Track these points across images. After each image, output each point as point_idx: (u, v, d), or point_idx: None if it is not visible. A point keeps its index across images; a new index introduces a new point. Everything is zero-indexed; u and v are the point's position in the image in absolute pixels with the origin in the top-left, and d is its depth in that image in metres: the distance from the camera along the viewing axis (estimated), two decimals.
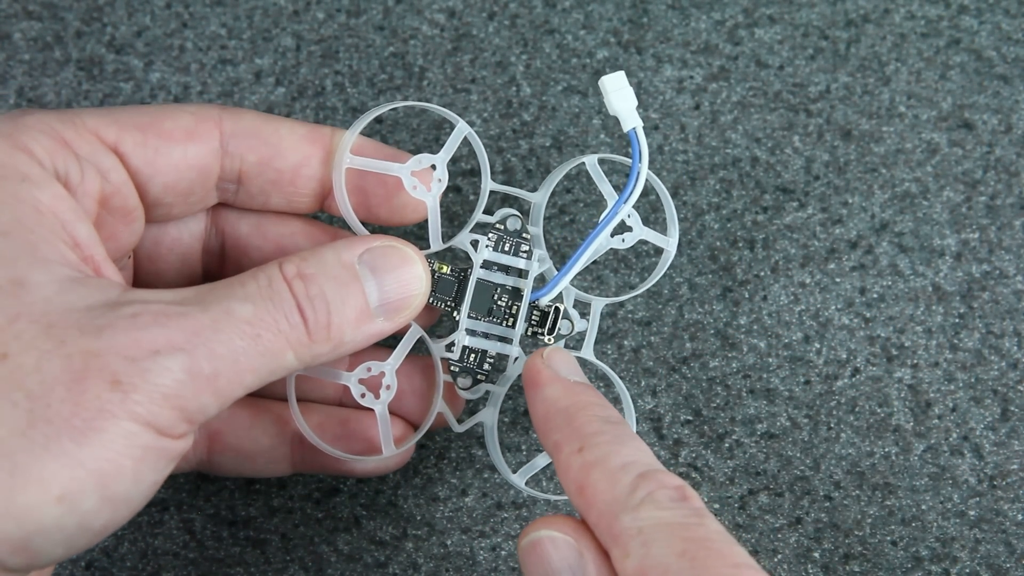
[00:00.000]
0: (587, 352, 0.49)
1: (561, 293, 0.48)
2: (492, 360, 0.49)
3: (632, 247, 0.49)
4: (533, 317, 0.49)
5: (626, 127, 0.46)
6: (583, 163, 0.49)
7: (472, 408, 0.53)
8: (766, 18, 0.58)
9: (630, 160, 0.47)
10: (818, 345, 0.55)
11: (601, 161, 0.49)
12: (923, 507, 0.53)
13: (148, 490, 0.38)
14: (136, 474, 0.37)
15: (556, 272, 0.48)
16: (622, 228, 0.48)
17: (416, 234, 0.55)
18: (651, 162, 0.56)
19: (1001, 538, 0.53)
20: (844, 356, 0.55)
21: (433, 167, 0.47)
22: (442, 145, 0.47)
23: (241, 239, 0.48)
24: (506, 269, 0.48)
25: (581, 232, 0.55)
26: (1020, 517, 0.53)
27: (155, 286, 0.48)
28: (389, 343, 0.47)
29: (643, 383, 0.54)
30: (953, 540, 0.53)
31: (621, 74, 0.46)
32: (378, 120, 0.56)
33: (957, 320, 0.55)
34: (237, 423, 0.48)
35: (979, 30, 0.58)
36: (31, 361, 0.36)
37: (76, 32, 0.57)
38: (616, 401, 0.49)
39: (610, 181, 0.48)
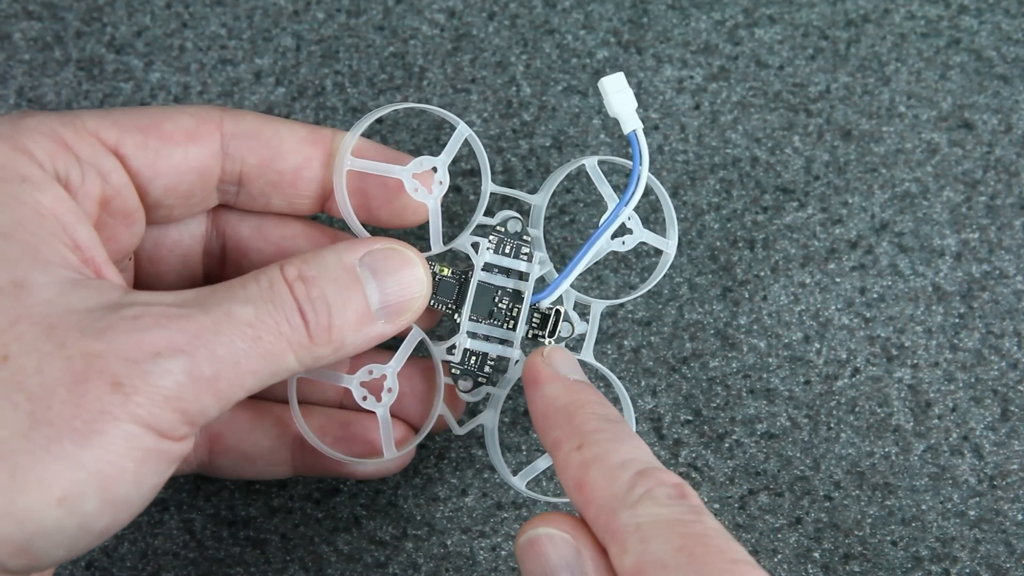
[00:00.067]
0: (587, 354, 0.49)
1: (561, 295, 0.48)
2: (493, 362, 0.49)
3: (632, 248, 0.49)
4: (534, 319, 0.49)
5: (626, 129, 0.46)
6: (583, 163, 0.49)
7: (473, 410, 0.53)
8: (766, 18, 0.58)
9: (630, 161, 0.47)
10: (818, 345, 0.55)
11: (601, 162, 0.49)
12: (923, 507, 0.53)
13: (149, 492, 0.38)
14: (137, 476, 0.37)
15: (556, 274, 0.48)
16: (622, 230, 0.48)
17: (416, 235, 0.55)
18: (651, 162, 0.56)
19: (1001, 538, 0.53)
20: (844, 356, 0.55)
21: (434, 169, 0.47)
22: (442, 145, 0.47)
23: (242, 241, 0.48)
24: (507, 271, 0.48)
25: (581, 232, 0.55)
26: (1020, 517, 0.53)
27: (156, 288, 0.48)
28: (390, 345, 0.47)
29: (643, 383, 0.54)
30: (953, 540, 0.53)
31: (621, 76, 0.46)
32: (378, 120, 0.56)
33: (957, 320, 0.55)
34: (238, 425, 0.48)
35: (979, 30, 0.58)
36: (32, 363, 0.36)
37: (76, 32, 0.57)
38: (616, 402, 0.49)
39: (610, 181, 0.48)
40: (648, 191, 0.54)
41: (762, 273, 0.55)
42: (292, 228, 0.48)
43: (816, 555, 0.53)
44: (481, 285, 0.48)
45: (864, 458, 0.54)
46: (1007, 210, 0.56)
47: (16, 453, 0.35)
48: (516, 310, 0.48)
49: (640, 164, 0.46)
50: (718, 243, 0.55)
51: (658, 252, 0.55)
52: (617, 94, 0.46)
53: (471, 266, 0.48)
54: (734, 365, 0.55)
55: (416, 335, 0.47)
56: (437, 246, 0.47)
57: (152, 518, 0.53)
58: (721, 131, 0.57)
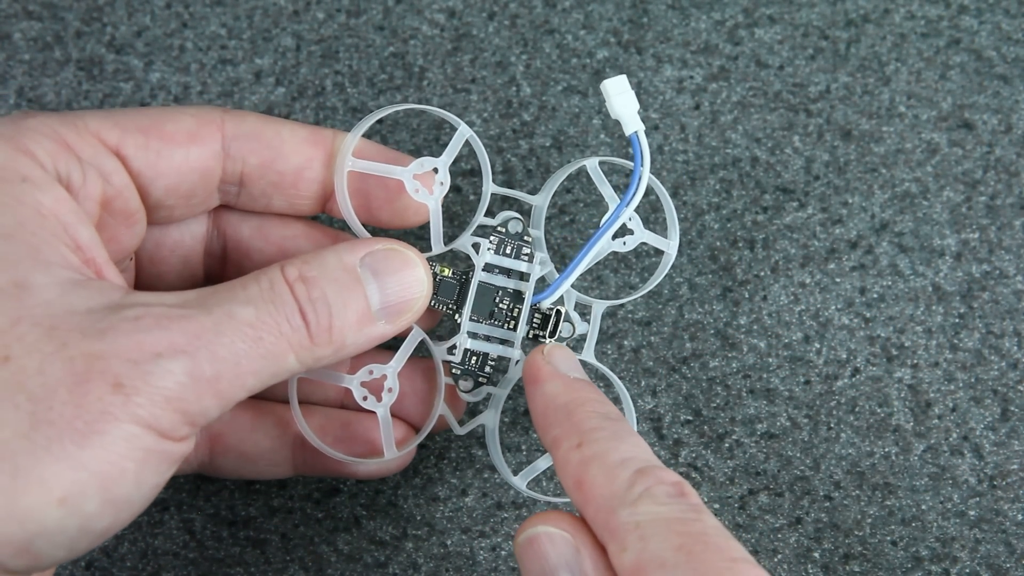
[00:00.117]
0: (588, 355, 0.49)
1: (562, 296, 0.48)
2: (493, 363, 0.49)
3: (632, 248, 0.49)
4: (534, 320, 0.49)
5: (628, 131, 0.46)
6: (584, 164, 0.49)
7: (473, 410, 0.53)
8: (766, 18, 0.58)
9: (631, 162, 0.47)
10: (818, 345, 0.55)
11: (602, 163, 0.49)
12: (923, 507, 0.53)
13: (150, 492, 0.38)
14: (138, 476, 0.37)
15: (557, 275, 0.48)
16: (623, 231, 0.48)
17: (416, 235, 0.55)
18: (651, 162, 0.56)
19: (1001, 538, 0.53)
20: (844, 356, 0.55)
21: (435, 170, 0.47)
22: (442, 146, 0.47)
23: (243, 241, 0.48)
24: (507, 272, 0.48)
25: (581, 232, 0.55)
26: (1020, 517, 0.53)
27: (157, 288, 0.48)
28: (391, 346, 0.47)
29: (643, 383, 0.54)
30: (953, 540, 0.53)
31: (623, 78, 0.46)
32: (378, 121, 0.56)
33: (957, 320, 0.55)
34: (239, 425, 0.48)
35: (979, 30, 0.58)
36: (33, 364, 0.36)
37: (76, 32, 0.57)
38: (616, 401, 0.49)
39: (610, 182, 0.48)
40: (648, 191, 0.54)
41: (762, 273, 0.55)
42: (293, 228, 0.48)
43: (816, 555, 0.53)
44: (482, 285, 0.48)
45: (864, 458, 0.54)
46: (1007, 210, 0.56)
47: (17, 453, 0.35)
48: (517, 310, 0.48)
49: (641, 165, 0.46)
50: (718, 243, 0.55)
51: (658, 252, 0.55)
52: (619, 96, 0.46)
53: (472, 266, 0.48)
54: (734, 365, 0.55)
55: (417, 335, 0.47)
56: (438, 247, 0.47)
57: (152, 518, 0.53)
58: (721, 131, 0.57)
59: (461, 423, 0.49)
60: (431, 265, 0.46)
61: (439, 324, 0.53)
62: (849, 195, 0.56)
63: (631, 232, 0.49)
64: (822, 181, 0.56)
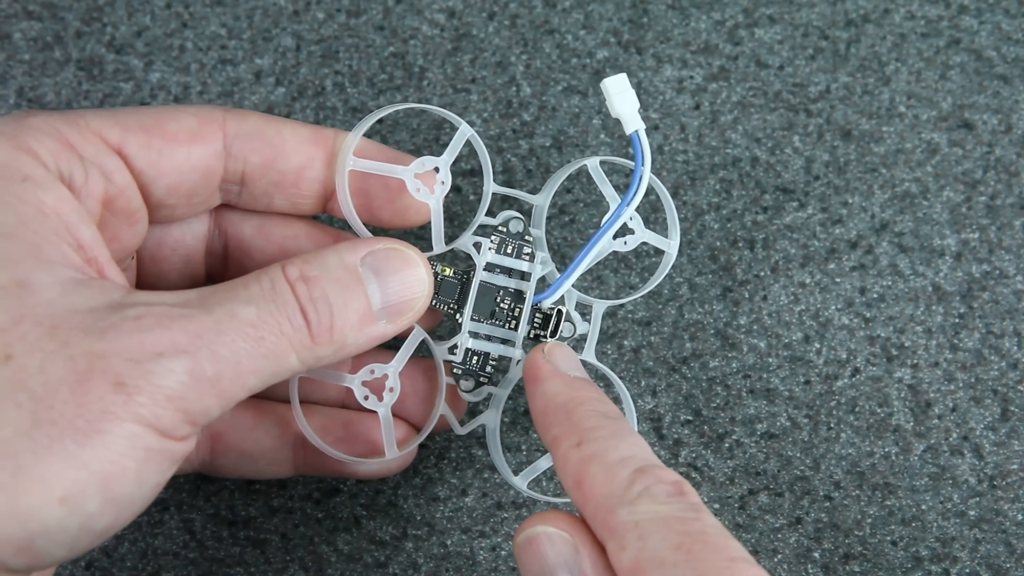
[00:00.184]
0: (589, 355, 0.49)
1: (563, 296, 0.48)
2: (494, 362, 0.49)
3: (633, 248, 0.49)
4: (535, 319, 0.49)
5: (628, 130, 0.46)
6: (584, 164, 0.49)
7: (474, 410, 0.53)
8: (766, 18, 0.58)
9: (632, 162, 0.47)
10: (818, 345, 0.55)
11: (602, 162, 0.49)
12: (923, 507, 0.53)
13: (151, 492, 0.38)
14: (139, 476, 0.37)
15: (558, 274, 0.48)
16: (624, 231, 0.48)
17: (416, 235, 0.55)
18: (651, 162, 0.56)
19: (1001, 538, 0.53)
20: (844, 356, 0.55)
21: (436, 170, 0.47)
22: (442, 145, 0.47)
23: (244, 240, 0.48)
24: (508, 271, 0.48)
25: (581, 232, 0.55)
26: (1020, 517, 0.53)
27: (158, 287, 0.48)
28: (392, 345, 0.47)
29: (643, 383, 0.54)
30: (953, 540, 0.53)
31: (623, 76, 0.46)
32: (378, 120, 0.56)
33: (957, 320, 0.55)
34: (240, 424, 0.48)
35: (979, 30, 0.58)
36: (35, 363, 0.36)
37: (76, 32, 0.57)
38: (617, 401, 0.49)
39: (611, 181, 0.48)
40: (648, 191, 0.54)
41: (762, 273, 0.55)
42: (294, 228, 0.48)
43: (816, 555, 0.53)
44: (483, 285, 0.48)
45: (864, 458, 0.54)
46: (1007, 210, 0.56)
47: (19, 452, 0.35)
48: (518, 310, 0.48)
49: (642, 164, 0.46)
50: (718, 243, 0.56)
51: (658, 252, 0.55)
52: (620, 95, 0.46)
53: (473, 266, 0.48)
54: (734, 365, 0.55)
55: (418, 335, 0.47)
56: (439, 246, 0.47)
57: (152, 518, 0.53)
58: (721, 131, 0.57)
59: (462, 423, 0.49)
60: (432, 264, 0.46)
61: (440, 324, 0.53)
62: (849, 195, 0.56)
63: (632, 232, 0.49)
64: (822, 181, 0.56)
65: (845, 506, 0.53)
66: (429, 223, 0.47)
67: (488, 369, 0.49)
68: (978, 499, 0.53)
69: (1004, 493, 0.53)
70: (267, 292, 0.40)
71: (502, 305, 0.48)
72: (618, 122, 0.47)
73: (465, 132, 0.47)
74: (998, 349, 0.55)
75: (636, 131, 0.46)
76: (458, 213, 0.55)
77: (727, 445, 0.54)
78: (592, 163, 0.48)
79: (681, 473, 0.53)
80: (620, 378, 0.50)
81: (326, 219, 0.54)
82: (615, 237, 0.48)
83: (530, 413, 0.45)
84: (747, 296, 0.55)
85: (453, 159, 0.47)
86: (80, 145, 0.41)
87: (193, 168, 0.45)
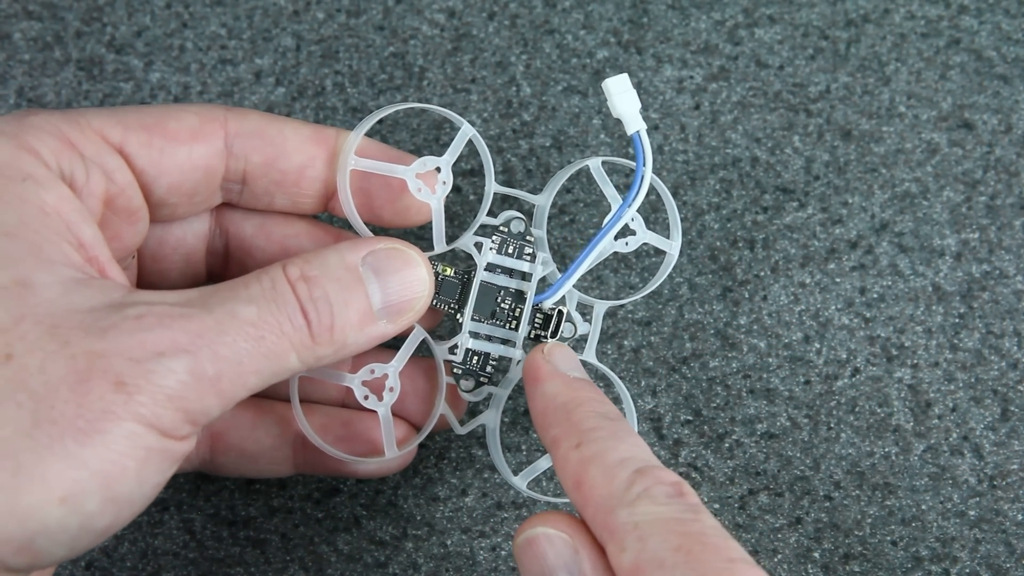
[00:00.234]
0: (589, 355, 0.49)
1: (564, 296, 0.48)
2: (495, 362, 0.49)
3: (633, 248, 0.49)
4: (536, 320, 0.49)
5: (630, 130, 0.46)
6: (586, 164, 0.49)
7: (474, 410, 0.53)
8: (766, 18, 0.58)
9: (633, 162, 0.47)
10: (818, 345, 0.55)
11: (603, 163, 0.49)
12: (923, 507, 0.53)
13: (151, 491, 0.38)
14: (139, 475, 0.37)
15: (559, 275, 0.48)
16: (625, 231, 0.48)
17: (417, 235, 0.55)
18: (652, 162, 0.56)
19: (1001, 538, 0.53)
20: (844, 356, 0.55)
21: (438, 169, 0.47)
22: (442, 145, 0.47)
23: (245, 239, 0.48)
24: (509, 272, 0.48)
25: (581, 232, 0.55)
26: (1020, 517, 0.53)
27: (159, 286, 0.48)
28: (392, 345, 0.47)
29: (643, 383, 0.54)
30: (953, 540, 0.53)
31: (625, 77, 0.46)
32: (379, 120, 0.56)
33: (957, 320, 0.55)
34: (240, 424, 0.48)
35: (979, 30, 0.58)
36: (35, 362, 0.36)
37: (76, 32, 0.57)
38: (617, 402, 0.49)
39: (611, 181, 0.48)
40: (648, 190, 0.54)
41: (762, 273, 0.55)
42: (295, 227, 0.48)
43: (816, 555, 0.53)
44: (484, 285, 0.48)
45: (864, 458, 0.54)
46: (1007, 210, 0.56)
47: (19, 452, 0.35)
48: (519, 310, 0.48)
49: (644, 165, 0.46)
50: (718, 243, 0.56)
51: (658, 252, 0.55)
52: (621, 95, 0.46)
53: (473, 266, 0.48)
54: (734, 365, 0.55)
55: (418, 335, 0.47)
56: (440, 246, 0.47)
57: (152, 518, 0.53)
58: (721, 131, 0.57)
59: (462, 423, 0.49)
60: (433, 264, 0.46)
61: (440, 323, 0.53)
62: (849, 195, 0.56)
63: (633, 233, 0.49)
64: (822, 181, 0.56)
65: (845, 506, 0.53)
66: (430, 223, 0.47)
67: (488, 369, 0.49)
68: (978, 499, 0.53)
69: (1004, 493, 0.53)
70: (268, 292, 0.40)
71: (503, 305, 0.48)
72: (618, 122, 0.47)
73: (467, 132, 0.47)
74: (998, 349, 0.55)
75: (638, 132, 0.46)
76: (458, 213, 0.55)
77: (727, 445, 0.54)
78: (594, 163, 0.48)
79: (681, 473, 0.53)
80: (620, 378, 0.50)
81: (327, 218, 0.54)
82: (616, 238, 0.48)
83: (530, 413, 0.45)
84: (747, 296, 0.55)
85: (455, 159, 0.47)
86: (81, 144, 0.41)
87: (194, 167, 0.45)
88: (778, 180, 0.56)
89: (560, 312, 0.48)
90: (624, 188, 0.55)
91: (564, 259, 0.55)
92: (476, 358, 0.48)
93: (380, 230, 0.49)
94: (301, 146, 0.46)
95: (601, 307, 0.50)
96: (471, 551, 0.53)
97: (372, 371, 0.47)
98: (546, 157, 0.56)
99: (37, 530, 0.35)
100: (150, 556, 0.52)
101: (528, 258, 0.48)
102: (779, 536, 0.53)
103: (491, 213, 0.48)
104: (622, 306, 0.55)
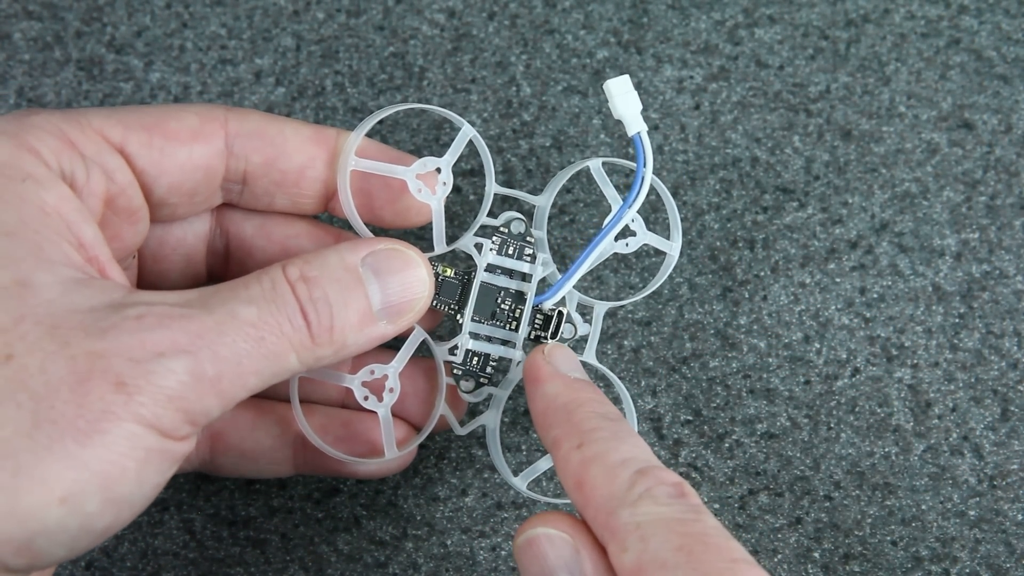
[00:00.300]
0: (590, 356, 0.49)
1: (564, 297, 0.48)
2: (495, 363, 0.49)
3: (634, 249, 0.49)
4: (536, 320, 0.49)
5: (631, 132, 0.46)
6: (587, 165, 0.49)
7: (474, 410, 0.53)
8: (766, 18, 0.58)
9: (633, 163, 0.47)
10: (818, 345, 0.55)
11: (604, 163, 0.49)
12: (923, 507, 0.53)
13: (151, 492, 0.38)
14: (139, 476, 0.37)
15: (559, 275, 0.48)
16: (626, 232, 0.48)
17: (417, 235, 0.55)
18: (652, 164, 0.56)
19: (1001, 538, 0.53)
20: (844, 356, 0.55)
21: (438, 170, 0.47)
22: (442, 145, 0.47)
23: (245, 240, 0.48)
24: (510, 272, 0.48)
25: (581, 233, 0.55)
26: (1020, 517, 0.53)
27: (159, 286, 0.48)
28: (392, 345, 0.47)
29: (643, 383, 0.54)
30: (953, 540, 0.53)
31: (626, 78, 0.46)
32: (379, 120, 0.56)
33: (957, 320, 0.55)
34: (240, 424, 0.48)
35: (979, 30, 0.58)
36: (36, 362, 0.36)
37: (76, 32, 0.57)
38: (617, 402, 0.49)
39: (612, 181, 0.48)
40: (648, 191, 0.54)
41: (762, 273, 0.55)
42: (296, 227, 0.49)
43: (816, 555, 0.53)
44: (484, 286, 0.48)
45: (864, 458, 0.54)
46: (1007, 210, 0.56)
47: (19, 452, 0.35)
48: (519, 311, 0.48)
49: (644, 166, 0.46)
50: (718, 243, 0.56)
51: (658, 252, 0.55)
52: (622, 96, 0.46)
53: (474, 267, 0.48)
54: (734, 365, 0.55)
55: (418, 335, 0.47)
56: (440, 247, 0.47)
57: (152, 518, 0.53)
58: (721, 131, 0.57)
59: (462, 423, 0.49)
60: (433, 265, 0.46)
61: (440, 324, 0.53)
62: (849, 195, 0.56)
63: (634, 234, 0.49)
64: (822, 181, 0.56)
65: (845, 506, 0.53)
66: (430, 224, 0.47)
67: (488, 370, 0.49)
68: (978, 499, 0.53)
69: (1004, 493, 0.53)
70: (268, 292, 0.40)
71: (503, 306, 0.48)
72: (618, 122, 0.47)
73: (467, 133, 0.47)
74: (998, 349, 0.55)
75: (639, 133, 0.46)
76: (458, 213, 0.55)
77: (727, 445, 0.54)
78: (595, 164, 0.48)
79: (681, 473, 0.53)
80: (620, 378, 0.50)
81: (327, 219, 0.54)
82: (617, 239, 0.48)
83: (530, 414, 0.45)
84: (747, 296, 0.55)
85: (455, 160, 0.47)
86: (82, 144, 0.41)
87: (195, 167, 0.45)
88: (778, 180, 0.56)
89: (560, 313, 0.48)
90: (624, 188, 0.55)
91: (564, 260, 0.55)
92: (476, 359, 0.48)
93: (380, 231, 0.49)
94: (301, 146, 0.46)
95: (601, 308, 0.50)
96: (471, 551, 0.53)
97: (372, 372, 0.47)
98: (546, 157, 0.56)
99: (37, 530, 0.35)
100: (150, 556, 0.52)
101: (528, 259, 0.48)
102: (779, 536, 0.53)
103: (491, 214, 0.48)
104: (622, 306, 0.55)
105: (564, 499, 0.50)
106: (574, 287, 0.48)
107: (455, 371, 0.49)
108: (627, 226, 0.48)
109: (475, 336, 0.48)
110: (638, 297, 0.50)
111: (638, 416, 0.53)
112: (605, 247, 0.48)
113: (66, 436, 0.35)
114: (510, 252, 0.48)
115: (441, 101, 0.57)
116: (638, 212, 0.48)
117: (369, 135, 0.49)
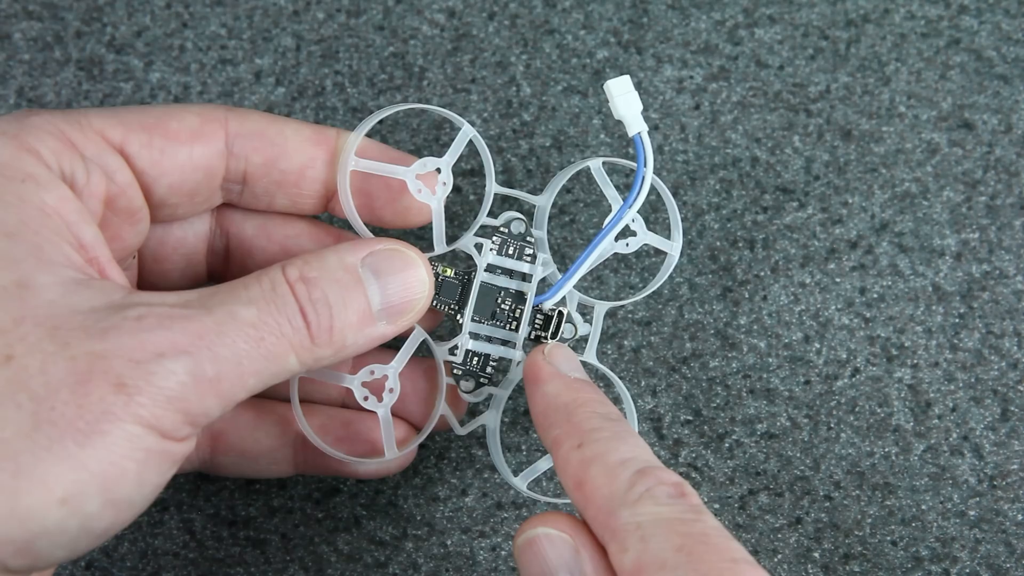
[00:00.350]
0: (590, 356, 0.49)
1: (564, 297, 0.48)
2: (495, 363, 0.49)
3: (634, 249, 0.49)
4: (536, 321, 0.49)
5: (631, 132, 0.46)
6: (587, 165, 0.49)
7: (474, 410, 0.53)
8: (766, 18, 0.58)
9: (633, 163, 0.47)
10: (818, 345, 0.55)
11: (604, 163, 0.49)
12: (923, 507, 0.53)
13: (151, 492, 0.38)
14: (139, 476, 0.37)
15: (559, 275, 0.48)
16: (626, 232, 0.48)
17: (416, 235, 0.55)
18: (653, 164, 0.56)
19: (1001, 538, 0.53)
20: (844, 356, 0.55)
21: (438, 170, 0.47)
22: (442, 145, 0.47)
23: (245, 240, 0.48)
24: (510, 272, 0.48)
25: (581, 233, 0.55)
26: (1020, 517, 0.53)
27: (160, 286, 0.48)
28: (392, 346, 0.47)
29: (643, 383, 0.54)
30: (953, 540, 0.53)
31: (627, 78, 0.46)
32: (379, 120, 0.56)
33: (957, 320, 0.55)
34: (240, 424, 0.48)
35: (979, 30, 0.58)
36: (36, 363, 0.36)
37: (76, 32, 0.57)
38: (617, 402, 0.49)
39: (612, 181, 0.48)
40: (649, 191, 0.54)
41: (762, 273, 0.55)
42: (296, 227, 0.48)
43: (816, 555, 0.53)
44: (484, 286, 0.48)
45: (864, 458, 0.54)
46: (1007, 210, 0.56)
47: (19, 453, 0.35)
48: (519, 311, 0.48)
49: (645, 166, 0.46)
50: (718, 243, 0.56)
51: (659, 252, 0.55)
52: (623, 96, 0.46)
53: (474, 267, 0.48)
54: (734, 365, 0.55)
55: (418, 335, 0.47)
56: (440, 247, 0.47)
57: (152, 518, 0.53)
58: (721, 131, 0.57)
59: (462, 423, 0.49)
60: (433, 265, 0.46)
61: (440, 324, 0.53)
62: (849, 195, 0.56)
63: (634, 234, 0.49)
64: (822, 181, 0.56)
65: (845, 506, 0.53)
66: (430, 224, 0.47)
67: (488, 370, 0.49)
68: (978, 499, 0.53)
69: (1004, 493, 0.53)
70: (267, 293, 0.40)
71: (503, 306, 0.48)
72: (618, 122, 0.47)
73: (467, 133, 0.47)
74: (998, 349, 0.55)
75: (639, 133, 0.46)
76: (458, 213, 0.55)
77: (727, 445, 0.54)
78: (595, 164, 0.48)
79: (681, 473, 0.53)
80: (620, 378, 0.50)
81: (327, 219, 0.54)
82: (617, 239, 0.48)
83: (530, 414, 0.45)
84: (747, 296, 0.55)
85: (455, 160, 0.47)
86: (82, 144, 0.41)
87: (195, 167, 0.45)
88: (778, 180, 0.56)
89: (560, 313, 0.48)
90: (624, 188, 0.55)
91: (564, 260, 0.55)
92: (476, 359, 0.48)
93: (380, 231, 0.49)
94: (301, 146, 0.46)
95: (601, 308, 0.50)
96: (471, 551, 0.53)
97: (372, 372, 0.47)
98: (546, 157, 0.56)
99: (37, 531, 0.35)
100: (150, 556, 0.52)
101: (528, 259, 0.48)
102: (779, 536, 0.53)
103: (491, 214, 0.48)
104: (622, 306, 0.55)
105: (564, 499, 0.50)
106: (574, 287, 0.48)
107: (455, 371, 0.48)
108: (627, 226, 0.48)
109: (475, 336, 0.48)
110: (638, 297, 0.50)
111: (638, 416, 0.53)
112: (605, 247, 0.48)
113: (66, 437, 0.35)
114: (510, 252, 0.48)
115: (441, 101, 0.57)
116: (638, 212, 0.48)
117: (369, 135, 0.49)
